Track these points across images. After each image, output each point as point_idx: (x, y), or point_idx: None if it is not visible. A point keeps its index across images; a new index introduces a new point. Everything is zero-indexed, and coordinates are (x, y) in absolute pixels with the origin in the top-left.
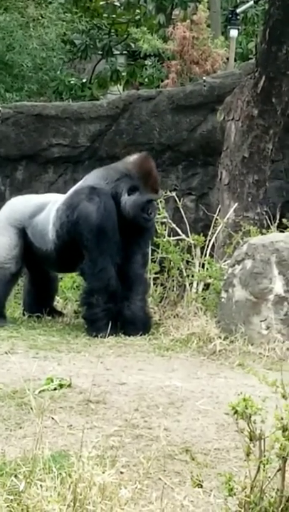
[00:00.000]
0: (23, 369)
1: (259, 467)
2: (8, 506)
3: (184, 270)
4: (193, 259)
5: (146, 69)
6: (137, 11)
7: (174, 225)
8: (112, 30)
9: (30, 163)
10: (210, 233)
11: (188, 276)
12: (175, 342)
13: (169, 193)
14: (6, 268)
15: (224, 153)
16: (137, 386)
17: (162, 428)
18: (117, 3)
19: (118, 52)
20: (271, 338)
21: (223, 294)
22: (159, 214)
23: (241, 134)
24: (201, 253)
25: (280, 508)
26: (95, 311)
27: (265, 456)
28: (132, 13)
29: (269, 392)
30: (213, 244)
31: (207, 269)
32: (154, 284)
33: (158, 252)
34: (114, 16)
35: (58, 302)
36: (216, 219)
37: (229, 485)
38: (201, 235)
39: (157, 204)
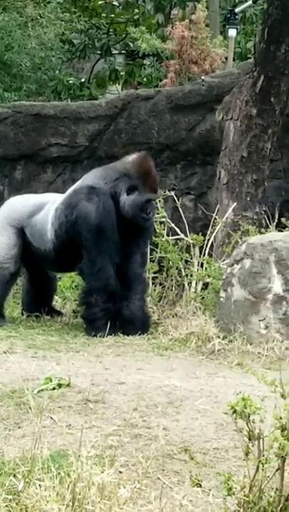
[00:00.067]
0: (22, 368)
1: (258, 467)
2: (7, 506)
3: (182, 270)
4: (192, 258)
5: (144, 68)
6: (136, 10)
7: (172, 225)
8: (111, 30)
9: (29, 163)
10: (209, 233)
11: (187, 275)
12: (174, 341)
13: (167, 192)
14: (4, 268)
15: (223, 153)
16: (136, 385)
17: (161, 427)
18: (115, 3)
19: (117, 52)
20: (270, 338)
21: (222, 294)
22: (157, 213)
23: (240, 133)
24: (200, 252)
25: (279, 508)
26: (93, 311)
27: (264, 455)
28: (130, 13)
29: (268, 392)
30: (211, 244)
31: (206, 268)
32: (152, 283)
33: (157, 252)
34: (112, 15)
35: (57, 302)
36: (215, 218)
37: (228, 484)
38: (200, 234)
39: (156, 203)
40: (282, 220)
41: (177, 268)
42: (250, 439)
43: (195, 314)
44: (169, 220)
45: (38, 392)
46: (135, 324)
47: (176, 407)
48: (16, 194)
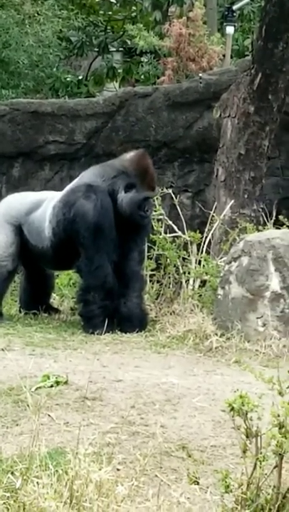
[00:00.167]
0: (20, 366)
1: (255, 464)
2: (4, 503)
3: (180, 267)
4: (189, 256)
5: (142, 66)
6: (133, 7)
7: (170, 222)
8: (108, 27)
9: (27, 161)
10: (206, 230)
11: (184, 273)
12: (171, 339)
13: (165, 190)
14: (2, 266)
15: (220, 150)
16: (134, 383)
17: (159, 425)
18: (113, 0)
19: (114, 49)
20: (267, 335)
21: (220, 291)
22: (155, 211)
23: (237, 130)
24: (198, 250)
25: (276, 505)
26: (91, 308)
27: (261, 453)
28: (128, 10)
29: (265, 389)
30: (209, 241)
31: (203, 266)
32: (150, 281)
33: (154, 249)
34: (110, 12)
35: (55, 299)
36: (213, 216)
37: (226, 482)
38: (198, 231)
39: (153, 201)
40: (280, 217)
41: (175, 265)
42: (247, 437)
43: (193, 312)
44: (166, 218)
45: (36, 389)
46: (133, 322)
47: (174, 405)
48: (14, 192)
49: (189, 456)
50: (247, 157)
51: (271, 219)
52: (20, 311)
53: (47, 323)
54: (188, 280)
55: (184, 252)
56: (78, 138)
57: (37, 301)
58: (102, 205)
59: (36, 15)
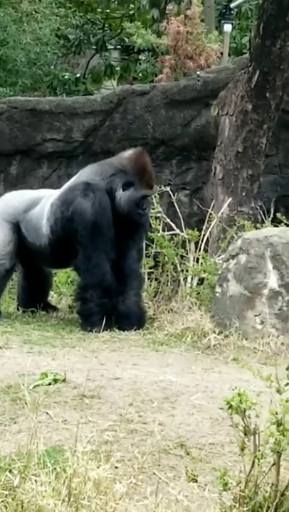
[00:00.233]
0: (18, 364)
1: (254, 462)
2: (2, 501)
3: (178, 265)
4: (187, 253)
5: (140, 64)
6: (131, 5)
7: (168, 220)
8: (106, 25)
9: (24, 158)
10: (204, 228)
11: (182, 271)
12: (169, 337)
13: (163, 187)
14: (0, 264)
15: (218, 148)
16: (132, 381)
17: (157, 423)
18: None
19: (112, 47)
20: (265, 333)
21: (218, 289)
22: (153, 209)
23: (235, 128)
24: (196, 248)
25: (274, 503)
26: (89, 306)
27: (259, 450)
28: (125, 8)
29: (263, 387)
30: (207, 239)
31: (201, 263)
32: (148, 278)
33: (152, 247)
34: (108, 10)
35: (53, 297)
36: (210, 214)
37: (224, 480)
38: (196, 229)
39: (151, 199)
40: (278, 215)
41: (173, 263)
42: (245, 434)
43: (191, 309)
44: (164, 216)
45: (34, 387)
46: (131, 319)
47: (172, 403)
48: (12, 189)
49: (187, 454)
50: (245, 155)
51: (269, 217)
52: (18, 309)
53: (45, 321)
54: (186, 278)
55: (182, 250)
56: (76, 136)
57: (35, 299)
58: (100, 203)
59: (34, 13)
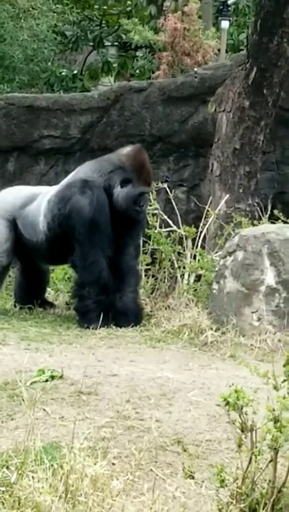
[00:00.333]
0: (15, 360)
1: (251, 458)
2: None
3: (175, 262)
4: (184, 250)
5: (137, 60)
6: (128, 2)
7: (165, 217)
8: (103, 22)
9: (22, 155)
10: (201, 224)
11: (179, 267)
12: (166, 333)
13: (160, 184)
14: None
15: (215, 145)
16: (129, 377)
17: (154, 419)
18: None
19: (109, 44)
20: (262, 330)
21: (215, 286)
22: (150, 205)
23: (232, 125)
24: (193, 244)
25: (271, 499)
26: (86, 303)
27: (256, 447)
28: (123, 5)
29: (260, 384)
30: (204, 236)
31: (198, 260)
32: (145, 275)
33: (149, 244)
34: (105, 7)
35: (50, 294)
36: (208, 210)
37: (221, 476)
38: (193, 226)
39: (149, 196)
40: (275, 212)
41: (170, 260)
42: (242, 431)
43: (188, 306)
44: (161, 212)
45: (31, 384)
46: (128, 316)
47: (169, 399)
48: (9, 186)
49: (184, 451)
50: (242, 152)
51: (266, 213)
52: (15, 306)
53: (42, 317)
54: (184, 275)
55: (179, 247)
56: (73, 132)
57: (32, 295)
58: (97, 201)
59: (31, 9)
